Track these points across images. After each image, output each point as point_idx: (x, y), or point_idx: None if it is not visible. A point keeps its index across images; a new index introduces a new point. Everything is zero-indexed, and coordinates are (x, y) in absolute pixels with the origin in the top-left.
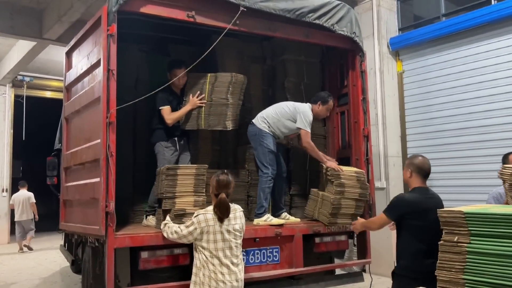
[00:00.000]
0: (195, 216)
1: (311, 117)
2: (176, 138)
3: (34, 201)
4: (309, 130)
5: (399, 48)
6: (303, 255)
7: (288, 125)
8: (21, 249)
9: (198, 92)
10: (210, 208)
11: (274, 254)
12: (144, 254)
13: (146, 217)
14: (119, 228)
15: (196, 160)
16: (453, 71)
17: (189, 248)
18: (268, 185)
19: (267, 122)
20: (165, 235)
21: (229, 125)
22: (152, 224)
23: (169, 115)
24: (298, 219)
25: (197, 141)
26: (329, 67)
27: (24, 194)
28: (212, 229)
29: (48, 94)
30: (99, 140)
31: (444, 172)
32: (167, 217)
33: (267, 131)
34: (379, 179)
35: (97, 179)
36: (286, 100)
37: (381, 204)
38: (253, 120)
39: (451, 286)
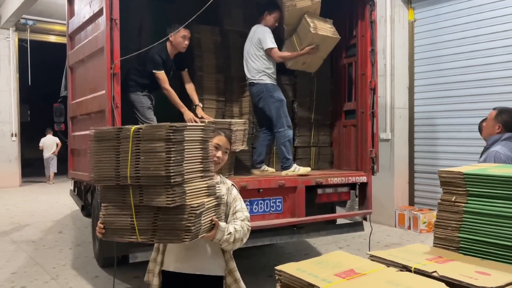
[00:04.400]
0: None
1: (269, 32)
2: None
3: (59, 142)
4: (274, 46)
5: None
6: (306, 205)
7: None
8: (49, 180)
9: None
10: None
11: (277, 204)
12: None
13: None
14: None
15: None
16: (467, 21)
17: None
18: (288, 138)
19: (264, 72)
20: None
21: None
22: None
23: (165, 83)
24: (309, 168)
25: (202, 92)
26: (337, 16)
27: (50, 138)
28: None
29: (52, 39)
30: (104, 91)
31: (452, 125)
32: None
33: (270, 82)
34: (384, 131)
35: None
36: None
37: (385, 155)
38: (252, 80)
39: (447, 243)
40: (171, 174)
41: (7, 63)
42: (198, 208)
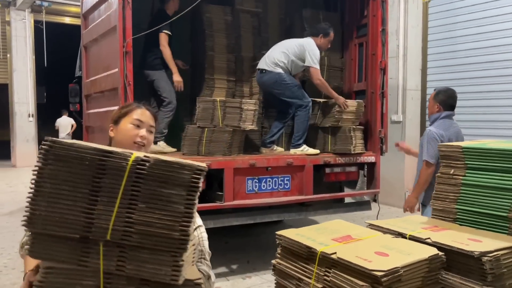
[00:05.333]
0: None
1: (318, 53)
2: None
3: (74, 123)
4: (318, 67)
5: None
6: (313, 184)
7: (299, 65)
8: None
9: None
10: None
11: (285, 182)
12: None
13: (156, 143)
14: None
15: (212, 92)
16: (484, 1)
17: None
18: (307, 118)
19: (282, 66)
20: None
21: None
22: (164, 149)
23: (165, 44)
24: (318, 151)
25: (212, 71)
26: None
27: (65, 119)
28: None
29: (67, 20)
30: (116, 69)
31: (464, 107)
32: None
33: (284, 72)
34: (395, 113)
35: (116, 108)
36: (304, 30)
37: (396, 137)
38: (264, 68)
39: (444, 215)
40: (187, 236)
41: (23, 44)
42: (199, 283)
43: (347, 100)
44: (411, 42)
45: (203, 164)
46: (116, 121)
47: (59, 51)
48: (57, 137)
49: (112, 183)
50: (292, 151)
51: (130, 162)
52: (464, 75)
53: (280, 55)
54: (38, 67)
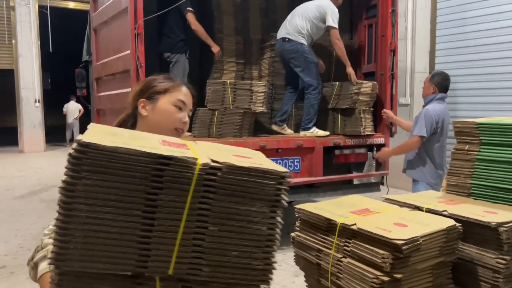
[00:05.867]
0: None
1: (337, 12)
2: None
3: (82, 108)
4: (337, 27)
5: None
6: (323, 165)
7: (321, 27)
8: (69, 144)
9: None
10: None
11: (295, 163)
12: None
13: None
14: None
15: (222, 75)
16: None
17: None
18: (317, 100)
19: (305, 34)
20: None
21: None
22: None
23: (196, 21)
24: (328, 132)
25: (221, 54)
26: None
27: (73, 104)
28: None
29: (72, 5)
30: (128, 51)
31: (473, 89)
32: None
33: (306, 44)
34: (403, 95)
35: (128, 90)
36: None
37: (404, 120)
38: (286, 36)
39: (459, 190)
40: (271, 265)
41: (28, 30)
42: None
43: (363, 81)
44: (420, 24)
45: (286, 169)
46: (151, 97)
47: (63, 36)
48: (65, 122)
49: (173, 200)
50: (302, 133)
51: (196, 172)
52: (473, 57)
53: (301, 22)
54: (43, 52)
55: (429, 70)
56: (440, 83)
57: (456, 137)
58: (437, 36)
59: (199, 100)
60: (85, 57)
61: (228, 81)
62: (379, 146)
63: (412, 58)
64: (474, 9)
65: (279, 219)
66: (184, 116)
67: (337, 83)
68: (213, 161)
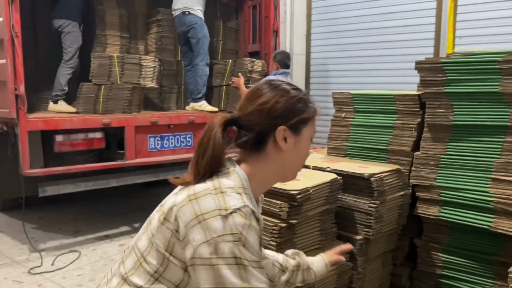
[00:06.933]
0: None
1: None
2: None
3: None
4: None
5: None
6: None
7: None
8: None
9: None
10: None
11: (188, 139)
12: (59, 138)
13: (56, 102)
14: (29, 114)
15: (105, 49)
16: None
17: (104, 133)
18: (206, 73)
19: (202, 7)
20: None
21: None
22: (64, 109)
23: None
24: (216, 108)
25: (104, 27)
26: None
27: None
28: None
29: None
30: (1, 19)
31: (344, 70)
32: None
33: (203, 18)
34: None
35: (3, 61)
36: None
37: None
38: (187, 10)
39: (337, 152)
40: None
41: None
42: None
43: (254, 59)
44: (297, 8)
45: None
46: (296, 127)
47: None
48: None
49: None
50: (191, 104)
51: None
52: (343, 41)
53: None
54: None
55: (305, 52)
56: (281, 60)
57: (335, 107)
58: (312, 21)
59: (85, 74)
60: None
61: (115, 55)
62: None
63: (291, 41)
64: None
65: None
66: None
67: (230, 60)
68: None
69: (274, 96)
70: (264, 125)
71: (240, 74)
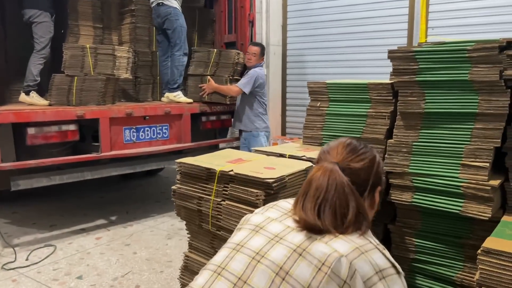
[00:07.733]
0: None
1: None
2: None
3: None
4: None
5: None
6: (191, 132)
7: None
8: None
9: None
10: None
11: (164, 131)
12: (32, 130)
13: (28, 93)
14: None
15: (78, 39)
16: None
17: (78, 125)
18: (182, 63)
19: None
20: None
21: None
22: (37, 102)
23: None
24: (191, 100)
25: (76, 17)
26: None
27: None
28: None
29: None
30: None
31: (320, 61)
32: None
33: (178, 7)
34: None
35: None
36: None
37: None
38: (162, 1)
39: (312, 141)
40: None
41: None
42: None
43: (239, 51)
44: None
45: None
46: (375, 186)
47: None
48: None
49: None
50: (167, 94)
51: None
52: (320, 32)
53: None
54: None
55: (282, 43)
56: (263, 53)
57: (310, 96)
58: (288, 12)
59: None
60: None
61: (88, 45)
62: None
63: (267, 31)
64: None
65: None
66: None
67: (215, 50)
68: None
69: (375, 157)
70: (372, 184)
71: (209, 78)
